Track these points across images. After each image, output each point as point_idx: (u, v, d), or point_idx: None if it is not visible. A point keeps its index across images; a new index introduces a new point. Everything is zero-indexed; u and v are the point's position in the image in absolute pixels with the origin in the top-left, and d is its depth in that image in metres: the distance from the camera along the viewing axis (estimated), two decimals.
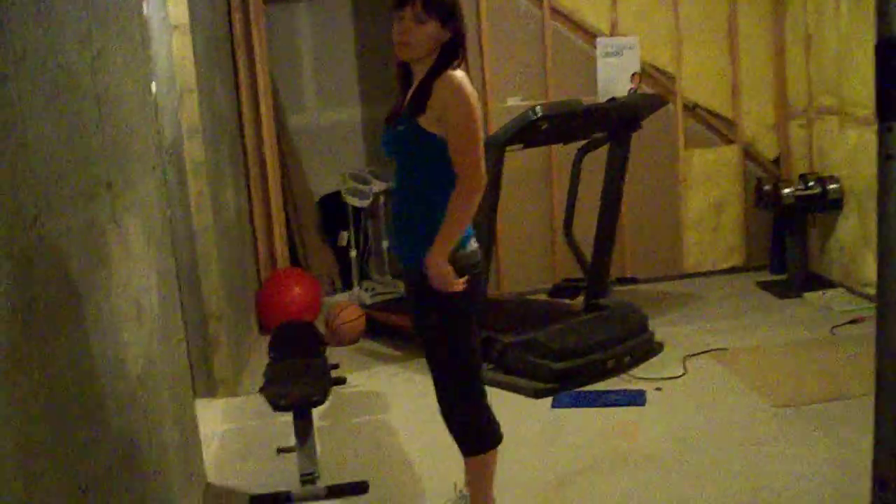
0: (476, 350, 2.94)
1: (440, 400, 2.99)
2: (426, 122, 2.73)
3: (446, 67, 2.75)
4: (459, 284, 2.75)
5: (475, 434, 2.99)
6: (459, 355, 2.89)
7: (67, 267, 2.10)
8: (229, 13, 5.95)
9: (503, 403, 4.24)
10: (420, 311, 2.91)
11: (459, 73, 2.75)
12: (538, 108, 4.42)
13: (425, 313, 2.88)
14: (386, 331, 5.67)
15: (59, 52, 2.17)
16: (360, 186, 6.61)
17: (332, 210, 6.99)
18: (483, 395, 2.99)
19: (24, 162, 1.89)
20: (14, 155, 1.84)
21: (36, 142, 1.96)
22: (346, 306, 5.70)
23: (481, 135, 2.76)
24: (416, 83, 2.82)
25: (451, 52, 2.78)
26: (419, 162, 2.80)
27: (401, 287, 6.88)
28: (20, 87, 1.88)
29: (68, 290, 2.10)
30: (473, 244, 2.85)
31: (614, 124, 4.96)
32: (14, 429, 1.74)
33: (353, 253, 6.68)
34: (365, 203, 6.54)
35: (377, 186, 6.73)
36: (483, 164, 2.75)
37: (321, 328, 5.33)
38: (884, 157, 1.49)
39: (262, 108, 6.21)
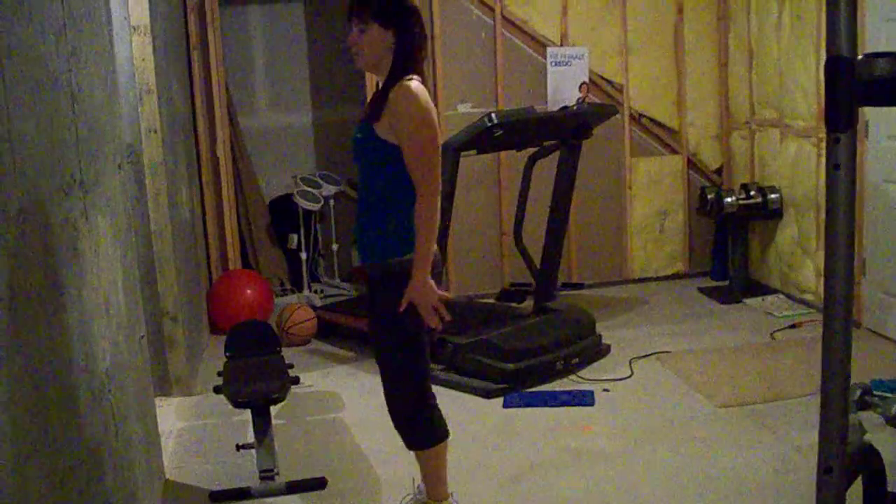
0: (425, 349, 3.03)
1: (389, 397, 3.10)
2: (381, 129, 2.84)
3: (403, 74, 2.83)
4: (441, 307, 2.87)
5: (421, 429, 3.08)
6: (410, 352, 2.99)
7: (46, 261, 2.14)
8: (185, 14, 5.96)
9: (455, 403, 4.35)
10: (375, 308, 3.00)
11: (414, 84, 2.82)
12: (494, 115, 4.53)
13: (380, 311, 2.98)
14: (337, 332, 5.72)
15: (40, 47, 2.21)
16: (311, 190, 6.67)
17: (283, 213, 7.02)
18: (429, 391, 3.08)
19: (10, 156, 1.93)
20: (0, 148, 1.88)
21: (20, 136, 2.00)
22: (298, 308, 5.74)
23: (438, 143, 2.85)
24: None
25: (405, 57, 2.86)
26: (377, 167, 2.90)
27: (350, 290, 6.95)
28: (7, 81, 1.93)
29: (48, 283, 2.14)
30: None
31: (566, 132, 5.08)
32: (2, 416, 1.78)
33: (304, 255, 6.72)
34: (315, 206, 6.60)
35: (328, 190, 6.81)
36: (438, 171, 2.85)
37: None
38: (832, 166, 1.61)
39: (217, 110, 6.22)
